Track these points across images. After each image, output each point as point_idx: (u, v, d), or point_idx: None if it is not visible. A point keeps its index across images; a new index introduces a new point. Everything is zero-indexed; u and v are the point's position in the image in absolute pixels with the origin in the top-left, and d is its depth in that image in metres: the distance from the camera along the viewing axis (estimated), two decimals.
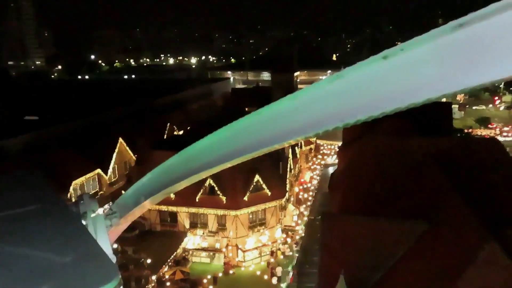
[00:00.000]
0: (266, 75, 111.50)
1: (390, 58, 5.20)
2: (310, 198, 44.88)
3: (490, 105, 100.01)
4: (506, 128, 75.35)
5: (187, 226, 35.28)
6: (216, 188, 33.39)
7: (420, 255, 15.59)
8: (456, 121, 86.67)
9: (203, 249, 35.16)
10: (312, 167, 53.35)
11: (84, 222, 11.47)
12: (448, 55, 4.74)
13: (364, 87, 5.57)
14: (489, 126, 77.37)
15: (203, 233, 35.15)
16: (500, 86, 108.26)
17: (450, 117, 37.65)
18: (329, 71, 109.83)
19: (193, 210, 34.58)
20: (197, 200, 33.92)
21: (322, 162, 55.42)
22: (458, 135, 53.93)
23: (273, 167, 35.48)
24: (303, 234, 38.17)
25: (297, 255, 35.27)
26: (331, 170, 47.40)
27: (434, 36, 4.76)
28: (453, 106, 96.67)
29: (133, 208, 13.34)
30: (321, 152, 58.76)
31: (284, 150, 36.49)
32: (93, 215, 11.98)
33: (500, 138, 69.59)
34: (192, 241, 35.28)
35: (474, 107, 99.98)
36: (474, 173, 19.92)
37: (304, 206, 42.88)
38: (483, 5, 4.41)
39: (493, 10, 4.32)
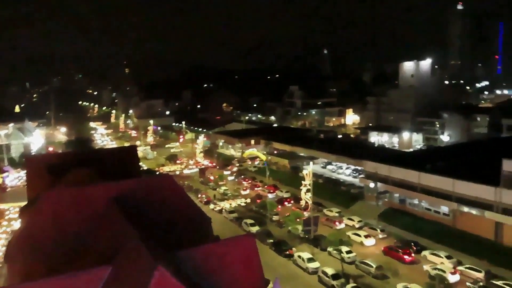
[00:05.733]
0: None
1: None
2: None
3: (177, 143, 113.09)
4: (191, 162, 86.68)
5: None
6: None
7: None
8: (150, 161, 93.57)
9: None
10: None
11: None
12: None
13: None
14: (177, 161, 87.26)
15: None
16: (183, 126, 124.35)
17: (137, 159, 39.97)
18: (11, 124, 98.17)
19: None
20: None
21: (8, 230, 47.99)
22: (144, 175, 57.83)
23: None
24: None
25: None
26: None
27: None
28: (146, 147, 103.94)
29: None
30: (7, 217, 50.92)
31: None
32: None
33: (186, 171, 79.69)
34: None
35: (166, 146, 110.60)
36: (150, 208, 21.96)
37: None
38: None
39: None
